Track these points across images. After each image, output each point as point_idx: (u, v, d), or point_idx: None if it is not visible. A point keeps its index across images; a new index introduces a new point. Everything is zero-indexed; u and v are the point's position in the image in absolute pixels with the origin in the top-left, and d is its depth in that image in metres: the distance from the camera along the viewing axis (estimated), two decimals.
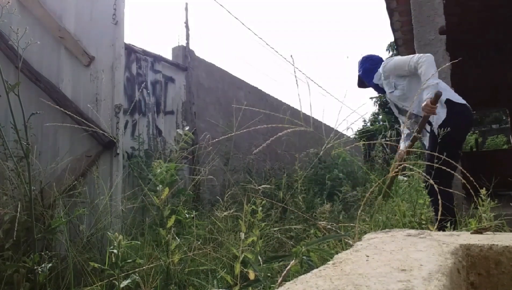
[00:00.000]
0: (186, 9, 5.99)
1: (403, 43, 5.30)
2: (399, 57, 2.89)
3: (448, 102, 2.64)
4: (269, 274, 1.92)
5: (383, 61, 3.09)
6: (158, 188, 2.09)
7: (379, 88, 3.12)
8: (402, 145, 3.04)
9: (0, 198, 2.39)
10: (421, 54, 2.68)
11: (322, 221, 2.24)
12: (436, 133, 2.50)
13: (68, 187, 2.81)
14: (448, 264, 0.69)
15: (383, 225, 2.47)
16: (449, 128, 2.35)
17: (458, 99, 2.68)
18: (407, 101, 2.83)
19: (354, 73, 3.46)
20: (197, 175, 4.17)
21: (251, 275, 1.53)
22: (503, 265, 0.80)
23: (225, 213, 2.44)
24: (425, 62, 2.60)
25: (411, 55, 2.75)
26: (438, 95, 2.48)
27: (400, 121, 3.13)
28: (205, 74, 6.00)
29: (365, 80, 3.18)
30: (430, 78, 2.49)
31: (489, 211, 1.89)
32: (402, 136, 3.11)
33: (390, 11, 4.46)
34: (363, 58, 3.21)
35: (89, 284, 1.86)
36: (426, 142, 2.83)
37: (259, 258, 1.62)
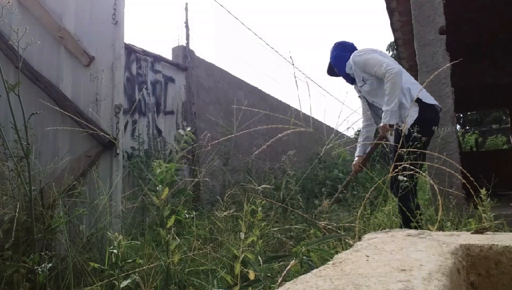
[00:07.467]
0: (186, 9, 6.00)
1: (403, 43, 5.30)
2: (370, 56, 2.74)
3: (419, 101, 2.56)
4: (269, 274, 1.92)
5: (355, 49, 2.95)
6: (158, 188, 2.09)
7: (349, 78, 2.97)
8: (358, 150, 2.96)
9: (0, 198, 2.39)
10: (390, 67, 2.55)
11: (322, 221, 2.24)
12: (407, 133, 2.50)
13: (68, 187, 2.81)
14: (448, 264, 0.69)
15: (383, 225, 2.47)
16: (419, 128, 2.29)
17: (428, 99, 2.62)
18: (377, 97, 2.75)
19: (326, 60, 3.31)
20: (197, 175, 4.17)
21: (251, 275, 1.53)
22: (503, 265, 0.80)
23: (225, 213, 2.43)
24: (392, 79, 2.51)
25: (380, 61, 2.63)
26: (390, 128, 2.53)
27: (368, 113, 3.00)
28: (205, 74, 6.00)
29: (335, 67, 3.01)
30: (392, 101, 2.49)
31: (489, 211, 1.89)
32: (359, 139, 3.02)
33: (390, 11, 4.46)
34: (335, 44, 3.05)
35: (89, 284, 1.86)
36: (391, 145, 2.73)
37: (259, 258, 1.62)
